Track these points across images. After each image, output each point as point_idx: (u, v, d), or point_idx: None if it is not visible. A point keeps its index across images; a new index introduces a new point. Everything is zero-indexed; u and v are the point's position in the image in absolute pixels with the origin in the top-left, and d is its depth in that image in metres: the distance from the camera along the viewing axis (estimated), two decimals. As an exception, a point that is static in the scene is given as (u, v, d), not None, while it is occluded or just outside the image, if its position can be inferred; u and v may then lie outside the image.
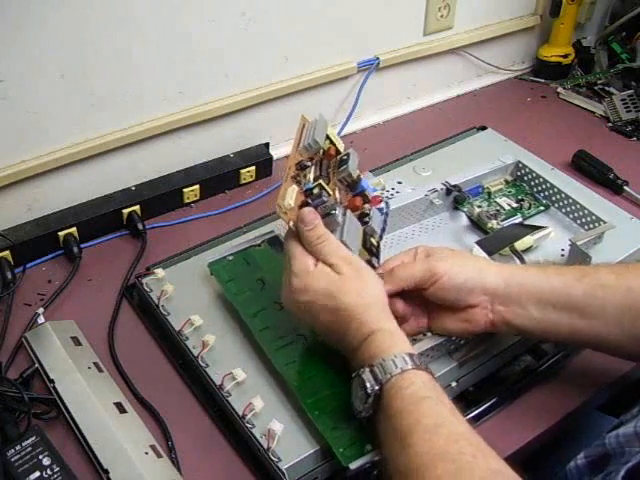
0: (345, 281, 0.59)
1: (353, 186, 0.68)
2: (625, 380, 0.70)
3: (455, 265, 0.62)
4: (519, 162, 0.90)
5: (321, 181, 0.64)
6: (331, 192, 0.64)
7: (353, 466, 0.57)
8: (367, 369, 0.55)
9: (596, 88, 1.17)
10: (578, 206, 0.84)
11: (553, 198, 0.87)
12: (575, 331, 0.61)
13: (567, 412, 0.67)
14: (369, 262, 0.64)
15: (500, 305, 0.62)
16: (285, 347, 0.66)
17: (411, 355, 0.55)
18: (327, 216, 0.63)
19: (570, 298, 0.60)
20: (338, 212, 0.63)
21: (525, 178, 0.90)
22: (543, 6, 1.19)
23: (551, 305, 0.61)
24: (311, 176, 0.64)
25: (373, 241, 0.66)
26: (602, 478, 0.51)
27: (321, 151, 0.67)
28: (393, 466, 0.51)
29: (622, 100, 1.09)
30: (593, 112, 1.13)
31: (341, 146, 0.68)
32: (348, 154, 0.67)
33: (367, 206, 0.67)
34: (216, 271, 0.74)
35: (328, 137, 0.68)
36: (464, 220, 0.86)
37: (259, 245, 0.76)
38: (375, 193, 0.70)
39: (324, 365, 0.64)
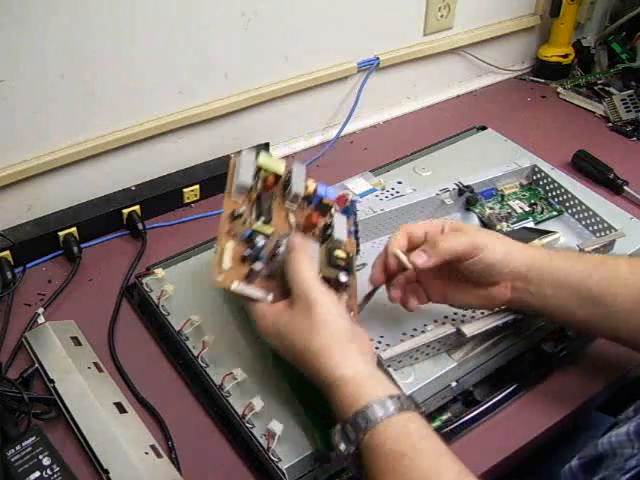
0: (295, 320, 0.56)
1: (310, 199, 0.65)
2: (624, 380, 0.70)
3: (490, 241, 0.62)
4: (535, 166, 0.90)
5: (255, 225, 0.61)
6: (270, 230, 0.61)
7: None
8: (339, 428, 0.52)
9: (596, 88, 1.17)
10: (591, 213, 0.83)
11: (567, 204, 0.87)
12: (588, 318, 0.62)
13: (566, 413, 0.67)
14: (336, 279, 0.61)
15: (519, 285, 0.63)
16: None
17: (380, 402, 0.51)
18: (273, 257, 0.61)
19: (584, 286, 0.61)
20: (282, 251, 0.61)
21: (540, 182, 0.90)
22: (543, 6, 1.19)
23: (567, 291, 0.61)
24: (250, 220, 0.62)
25: (339, 253, 0.63)
26: None
27: (259, 184, 0.64)
28: None
29: (622, 100, 1.10)
30: (593, 112, 1.13)
31: (280, 168, 0.65)
32: (290, 173, 0.64)
33: (327, 216, 0.65)
34: None
35: (260, 168, 0.64)
36: (475, 221, 0.86)
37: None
38: (340, 193, 0.67)
39: None
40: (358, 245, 0.70)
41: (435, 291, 0.66)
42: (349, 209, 0.68)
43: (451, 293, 0.66)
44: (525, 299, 0.63)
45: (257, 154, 0.65)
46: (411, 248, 0.64)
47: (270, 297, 0.59)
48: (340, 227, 0.66)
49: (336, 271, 0.62)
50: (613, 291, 0.60)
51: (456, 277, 0.65)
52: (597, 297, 0.61)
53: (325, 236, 0.65)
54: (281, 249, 0.61)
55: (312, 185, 0.67)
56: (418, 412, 0.53)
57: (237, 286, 0.58)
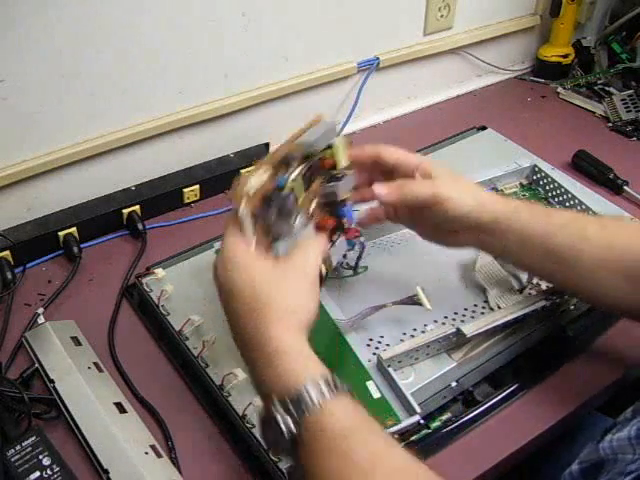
0: (274, 275, 0.55)
1: (333, 207, 0.65)
2: (624, 381, 0.70)
3: (457, 193, 0.62)
4: (535, 166, 0.90)
5: (292, 183, 0.59)
6: (300, 201, 0.60)
7: None
8: (279, 405, 0.48)
9: (596, 88, 1.17)
10: (591, 213, 0.83)
11: (567, 204, 0.87)
12: (552, 273, 0.63)
13: (566, 413, 0.66)
14: None
15: (484, 237, 0.63)
16: None
17: (326, 379, 0.49)
18: (281, 218, 0.59)
19: (548, 245, 0.61)
20: (295, 221, 0.59)
21: (541, 182, 0.90)
22: (543, 6, 1.19)
23: (530, 248, 0.62)
24: (294, 174, 0.60)
25: (322, 268, 0.60)
26: None
27: (317, 157, 0.64)
28: None
29: (622, 100, 1.10)
30: (593, 112, 1.13)
31: (342, 163, 0.64)
32: (343, 176, 0.64)
33: (337, 233, 0.66)
34: None
35: (331, 147, 0.64)
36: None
37: None
38: (354, 226, 0.68)
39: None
40: (358, 265, 0.72)
41: (408, 221, 0.68)
42: (352, 242, 0.68)
43: (425, 228, 0.67)
44: (490, 250, 0.66)
45: (339, 133, 0.65)
46: (373, 169, 0.65)
47: (252, 246, 0.57)
48: (338, 250, 0.66)
49: None
50: (576, 250, 0.60)
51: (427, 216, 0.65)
52: (560, 256, 0.61)
53: None
54: (297, 222, 0.60)
55: (345, 198, 0.66)
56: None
57: (242, 211, 0.56)
